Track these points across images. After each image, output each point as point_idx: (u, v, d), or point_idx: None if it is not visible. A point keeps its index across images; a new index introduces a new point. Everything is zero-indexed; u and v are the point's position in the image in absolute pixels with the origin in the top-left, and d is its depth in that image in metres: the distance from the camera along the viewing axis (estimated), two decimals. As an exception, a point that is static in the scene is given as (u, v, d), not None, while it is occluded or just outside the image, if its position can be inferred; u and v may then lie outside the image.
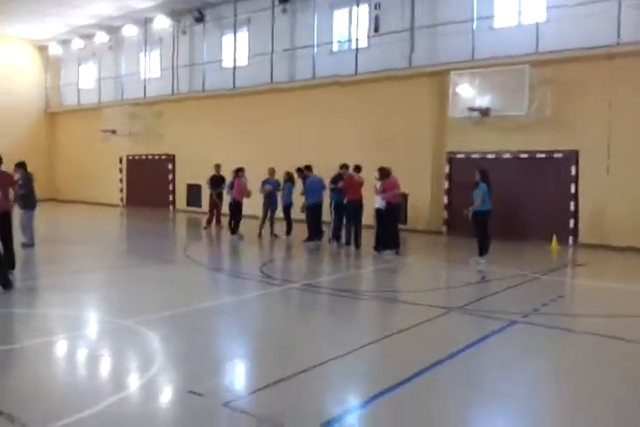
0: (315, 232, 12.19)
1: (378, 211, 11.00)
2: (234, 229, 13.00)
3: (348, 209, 11.69)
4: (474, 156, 14.15)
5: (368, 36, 16.10)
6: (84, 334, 5.81)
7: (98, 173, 24.48)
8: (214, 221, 15.39)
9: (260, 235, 13.33)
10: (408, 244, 12.92)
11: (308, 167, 12.73)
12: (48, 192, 26.49)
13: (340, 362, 4.93)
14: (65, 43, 25.42)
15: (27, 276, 8.34)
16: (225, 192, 14.42)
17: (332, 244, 11.96)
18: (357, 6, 16.11)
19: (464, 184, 12.64)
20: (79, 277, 8.75)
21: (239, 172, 13.38)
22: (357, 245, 11.57)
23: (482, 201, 9.80)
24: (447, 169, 14.68)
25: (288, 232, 13.05)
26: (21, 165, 11.21)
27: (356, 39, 16.18)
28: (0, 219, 8.01)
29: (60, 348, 5.38)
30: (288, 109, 17.83)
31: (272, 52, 17.84)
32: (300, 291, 7.95)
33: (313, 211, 12.21)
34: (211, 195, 15.48)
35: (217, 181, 15.47)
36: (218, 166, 15.69)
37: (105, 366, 4.89)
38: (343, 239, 11.94)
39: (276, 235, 13.30)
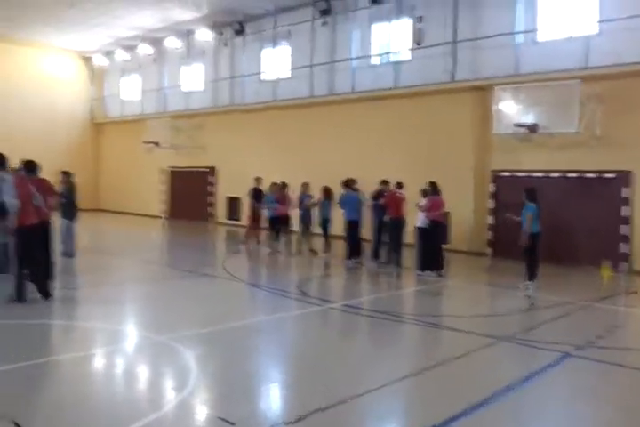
0: (354, 250, 11.97)
1: (420, 229, 10.74)
2: (278, 244, 13.10)
3: (390, 227, 11.44)
4: (520, 174, 13.71)
5: (409, 50, 15.92)
6: (119, 350, 5.78)
7: (140, 184, 24.85)
8: (253, 235, 15.35)
9: (299, 251, 13.20)
10: (451, 265, 12.56)
11: (349, 182, 12.44)
12: (92, 202, 27.06)
13: (379, 395, 4.73)
14: (109, 54, 25.98)
15: (65, 286, 8.36)
16: (266, 206, 14.23)
17: (372, 262, 11.71)
18: (398, 19, 15.94)
19: (510, 204, 12.26)
20: (117, 289, 8.78)
21: (284, 185, 13.56)
22: (398, 265, 11.30)
23: (531, 222, 9.43)
24: (492, 188, 14.27)
25: (326, 249, 12.86)
26: (65, 174, 11.31)
27: (397, 52, 16.00)
28: (39, 227, 8.03)
29: (93, 363, 5.34)
30: (327, 123, 17.73)
31: (311, 65, 17.81)
32: (338, 311, 7.75)
33: (351, 228, 11.99)
34: (252, 208, 15.43)
35: (258, 195, 15.43)
36: (258, 179, 15.63)
37: (135, 386, 4.80)
38: (383, 258, 11.69)
39: (314, 251, 13.14)
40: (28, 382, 4.72)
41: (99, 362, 5.37)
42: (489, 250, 14.20)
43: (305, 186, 13.54)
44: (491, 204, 14.26)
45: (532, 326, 7.33)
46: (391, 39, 16.40)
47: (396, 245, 11.42)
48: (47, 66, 25.67)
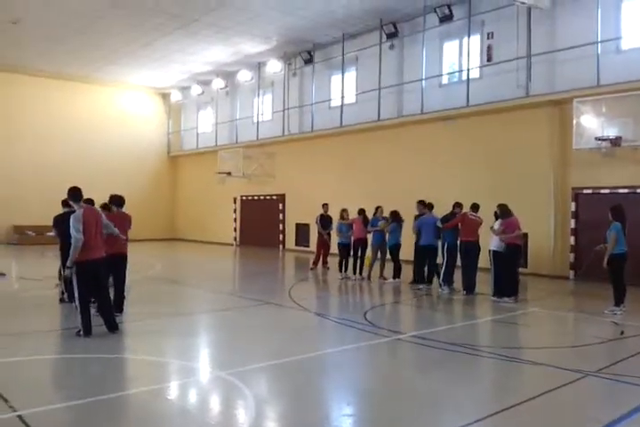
0: (421, 275, 11.46)
1: (495, 253, 10.09)
2: (353, 269, 12.91)
3: (462, 251, 10.85)
4: (603, 191, 12.76)
5: (480, 67, 15.40)
6: (176, 386, 5.55)
7: (214, 213, 25.42)
8: (321, 262, 15.16)
9: (368, 277, 12.82)
10: (530, 290, 11.72)
11: (428, 204, 11.78)
12: (169, 232, 28.00)
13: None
14: (185, 89, 27.08)
15: (131, 318, 8.33)
16: (336, 232, 13.94)
17: (444, 289, 11.10)
18: (469, 37, 15.51)
19: (592, 223, 11.35)
20: (182, 320, 8.68)
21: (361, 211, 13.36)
22: (472, 291, 10.64)
23: (616, 242, 8.63)
24: (573, 207, 13.34)
25: (396, 275, 12.37)
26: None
27: (467, 70, 15.52)
28: (119, 259, 8.09)
29: (147, 400, 5.08)
30: (396, 146, 17.43)
31: (379, 88, 17.64)
32: (408, 343, 7.24)
33: (423, 253, 11.49)
34: (320, 234, 15.25)
35: (325, 221, 15.25)
36: (325, 206, 15.48)
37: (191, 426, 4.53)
38: (456, 284, 11.07)
39: (384, 278, 12.69)
40: (81, 421, 4.62)
41: (154, 400, 5.17)
42: (572, 273, 13.20)
43: (376, 210, 13.11)
44: (572, 223, 13.31)
45: (623, 357, 6.52)
46: (461, 57, 15.98)
47: (470, 270, 10.78)
48: (127, 103, 27.08)
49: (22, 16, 17.29)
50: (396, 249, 12.38)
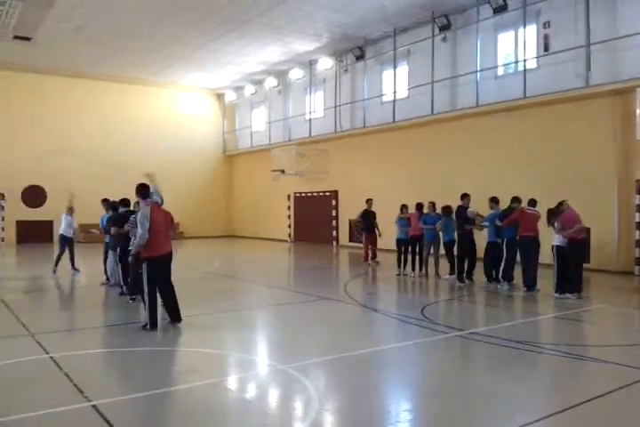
0: (490, 274, 11.22)
1: (558, 248, 9.82)
2: (412, 265, 12.84)
3: (522, 247, 10.61)
4: (672, 183, 12.21)
5: (536, 57, 14.97)
6: (241, 379, 5.69)
7: (268, 210, 25.78)
8: (370, 257, 15.23)
9: (426, 273, 12.72)
10: (594, 286, 11.35)
11: (496, 201, 11.47)
12: (226, 229, 28.61)
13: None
14: (238, 89, 27.54)
15: (191, 312, 8.47)
16: (398, 227, 13.63)
17: (504, 285, 10.89)
18: (524, 27, 15.09)
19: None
20: (241, 315, 8.90)
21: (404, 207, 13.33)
22: (533, 288, 10.39)
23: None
24: (638, 200, 12.80)
25: (452, 271, 12.22)
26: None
27: (524, 61, 15.11)
28: (168, 258, 8.25)
29: (213, 393, 5.23)
30: (450, 140, 17.19)
31: (432, 81, 17.42)
32: (467, 340, 7.16)
33: (489, 249, 11.23)
34: (361, 230, 15.43)
35: (368, 217, 15.31)
36: (369, 201, 15.52)
37: (255, 419, 4.62)
38: (516, 280, 10.84)
39: (439, 275, 12.57)
40: (152, 411, 4.81)
41: (220, 392, 5.33)
42: (637, 268, 12.68)
43: (430, 205, 13.01)
44: (637, 217, 12.78)
45: (699, 357, 6.25)
46: (517, 48, 15.58)
47: (529, 266, 10.53)
48: (184, 104, 27.81)
49: (84, 23, 18.01)
50: (450, 245, 12.22)
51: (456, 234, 11.86)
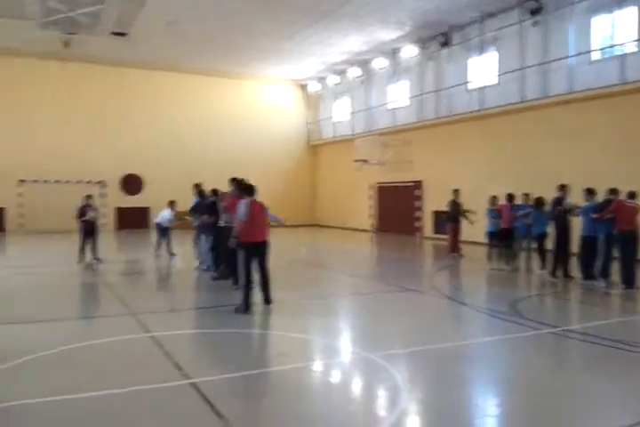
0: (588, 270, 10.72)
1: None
2: (504, 258, 12.41)
3: (620, 241, 10.05)
4: None
5: (635, 41, 14.03)
6: (328, 364, 5.83)
7: (351, 200, 25.88)
8: (456, 249, 14.98)
9: (517, 268, 12.31)
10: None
11: (593, 192, 10.78)
12: (310, 218, 29.03)
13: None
14: (322, 80, 27.71)
15: (278, 297, 8.61)
16: (489, 219, 13.15)
17: (600, 282, 10.36)
18: (620, 9, 14.17)
19: None
20: (327, 302, 9.06)
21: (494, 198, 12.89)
22: (632, 285, 9.84)
23: None
24: None
25: (543, 266, 11.77)
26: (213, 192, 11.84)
27: (621, 45, 14.21)
28: (264, 245, 8.47)
29: (304, 377, 5.42)
30: (541, 128, 16.49)
31: (522, 68, 16.75)
32: (560, 337, 6.91)
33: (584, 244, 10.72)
34: (445, 221, 15.18)
35: (456, 207, 15.01)
36: (456, 191, 15.20)
37: (345, 404, 4.73)
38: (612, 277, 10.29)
39: (531, 269, 12.14)
40: (247, 391, 5.03)
41: (309, 376, 5.50)
42: None
43: (524, 197, 12.48)
44: None
45: None
46: (614, 31, 14.68)
47: (628, 262, 9.96)
48: (270, 96, 28.39)
49: (178, 18, 18.75)
50: (541, 238, 11.76)
51: (549, 227, 11.38)
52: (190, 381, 5.03)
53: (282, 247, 17.83)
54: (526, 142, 16.99)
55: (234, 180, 10.23)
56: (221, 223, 10.27)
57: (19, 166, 23.02)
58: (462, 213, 14.96)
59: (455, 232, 15.18)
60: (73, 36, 18.91)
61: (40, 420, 4.27)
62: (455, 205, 15.11)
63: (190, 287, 10.61)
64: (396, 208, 23.09)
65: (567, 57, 15.58)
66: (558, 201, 11.13)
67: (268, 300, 8.28)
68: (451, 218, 15.22)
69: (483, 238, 13.34)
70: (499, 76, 18.00)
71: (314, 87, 28.37)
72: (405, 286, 10.47)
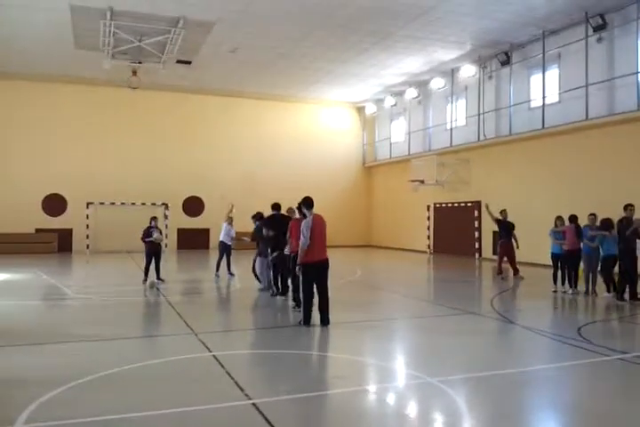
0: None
1: None
2: (568, 281, 12.06)
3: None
4: None
5: None
6: (389, 388, 5.74)
7: (407, 220, 25.69)
8: (512, 270, 14.62)
9: (586, 291, 11.75)
10: None
11: None
12: (365, 239, 28.98)
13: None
14: (378, 101, 27.88)
15: (336, 318, 8.63)
16: (553, 240, 12.66)
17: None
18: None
19: None
20: (385, 324, 8.96)
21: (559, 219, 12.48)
22: None
23: None
24: None
25: (610, 289, 11.26)
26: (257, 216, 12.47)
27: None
28: (324, 264, 8.46)
29: (363, 400, 5.38)
30: (607, 147, 15.95)
31: (587, 84, 16.32)
32: (631, 364, 6.58)
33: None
34: (501, 242, 14.80)
35: (505, 227, 14.66)
36: (504, 212, 14.86)
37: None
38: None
39: (596, 292, 11.64)
40: (307, 414, 5.01)
41: (370, 400, 5.44)
42: None
43: (592, 218, 11.87)
44: None
45: None
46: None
47: None
48: (326, 118, 28.81)
49: (239, 46, 19.41)
50: (609, 261, 11.25)
51: (617, 249, 10.92)
52: (252, 401, 5.06)
53: (338, 268, 17.82)
54: (591, 162, 16.45)
55: (275, 205, 11.23)
56: (286, 251, 10.29)
57: (87, 189, 24.17)
58: (512, 233, 14.63)
59: (502, 253, 14.79)
60: (140, 66, 19.85)
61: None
62: (502, 224, 14.78)
63: (249, 307, 10.77)
64: (454, 229, 22.73)
65: (635, 73, 15.09)
66: (627, 221, 10.69)
67: (326, 321, 8.34)
68: (499, 238, 14.93)
69: (545, 260, 12.91)
70: (560, 93, 17.60)
71: (370, 109, 28.56)
72: (465, 308, 10.24)
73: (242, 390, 5.40)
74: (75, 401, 5.11)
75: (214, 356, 6.67)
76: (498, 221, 14.95)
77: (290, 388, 5.56)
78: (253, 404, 5.00)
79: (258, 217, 12.54)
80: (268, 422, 4.56)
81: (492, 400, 5.33)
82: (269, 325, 8.94)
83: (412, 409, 5.18)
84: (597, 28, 16.16)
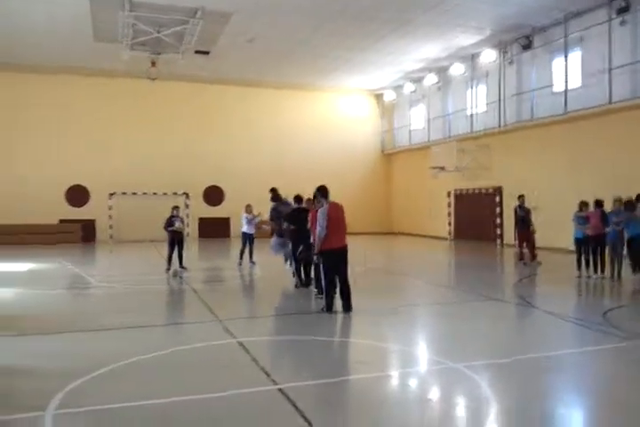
0: None
1: None
2: (594, 266, 11.92)
3: None
4: None
5: None
6: (413, 373, 5.78)
7: (427, 207, 25.57)
8: (528, 255, 14.49)
9: (611, 275, 11.61)
10: None
11: None
12: (385, 226, 28.96)
13: None
14: (397, 88, 27.65)
15: (358, 305, 8.66)
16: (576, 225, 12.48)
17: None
18: None
19: None
20: (409, 310, 9.01)
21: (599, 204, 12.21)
22: None
23: None
24: None
25: (635, 271, 11.11)
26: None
27: None
28: (343, 251, 8.55)
29: (389, 386, 5.45)
30: (630, 131, 15.66)
31: (610, 68, 16.01)
32: (657, 349, 6.54)
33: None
34: (518, 227, 14.66)
35: (522, 213, 14.52)
36: (521, 197, 14.71)
37: (432, 414, 4.69)
38: None
39: (621, 277, 11.50)
40: (334, 398, 5.04)
41: (394, 385, 5.51)
42: None
43: (617, 202, 11.65)
44: None
45: None
46: None
47: None
48: (345, 106, 28.69)
49: (257, 35, 19.37)
50: (634, 242, 11.07)
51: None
52: (278, 386, 5.13)
53: (359, 255, 17.86)
54: (614, 146, 16.19)
55: (273, 190, 11.04)
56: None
57: (109, 180, 24.47)
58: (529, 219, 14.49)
59: (522, 239, 14.66)
60: (159, 56, 19.94)
61: (136, 423, 4.49)
62: (520, 211, 14.64)
63: (272, 294, 10.86)
64: (475, 215, 22.58)
65: (659, 55, 14.78)
66: None
67: (348, 307, 8.42)
68: (517, 224, 14.77)
69: (566, 245, 12.78)
70: (583, 77, 17.28)
71: (389, 96, 28.34)
72: (488, 294, 10.22)
73: (268, 375, 5.48)
74: (103, 388, 5.20)
75: (239, 342, 6.76)
76: (518, 207, 14.79)
77: (315, 373, 5.64)
78: (279, 389, 5.07)
79: (274, 196, 12.67)
80: (296, 407, 4.63)
81: (516, 385, 5.34)
82: (292, 311, 9.02)
83: (434, 394, 5.21)
84: (620, 11, 15.80)
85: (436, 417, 4.65)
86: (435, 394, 5.21)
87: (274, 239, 12.12)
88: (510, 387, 5.32)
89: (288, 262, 12.04)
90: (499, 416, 4.57)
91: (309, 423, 4.32)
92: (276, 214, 12.35)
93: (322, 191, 8.60)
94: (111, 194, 24.59)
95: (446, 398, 5.12)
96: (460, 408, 4.87)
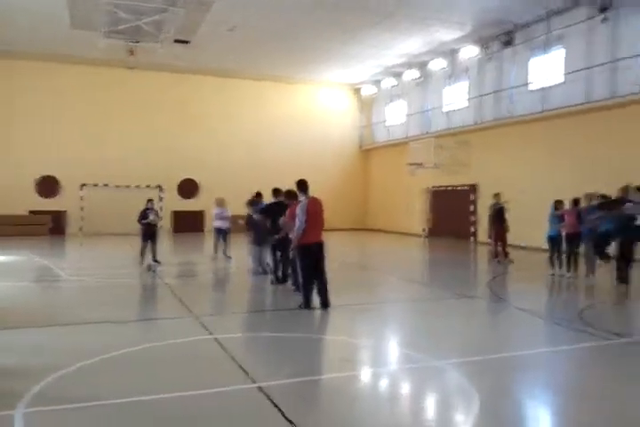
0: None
1: None
2: (567, 265, 11.84)
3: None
4: None
5: None
6: (388, 370, 5.70)
7: (404, 204, 25.57)
8: (502, 254, 14.51)
9: (587, 274, 11.56)
10: None
11: None
12: (361, 222, 28.91)
13: None
14: (376, 83, 27.55)
15: (335, 301, 8.51)
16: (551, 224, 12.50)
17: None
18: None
19: None
20: (381, 306, 8.97)
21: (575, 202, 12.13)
22: None
23: None
24: None
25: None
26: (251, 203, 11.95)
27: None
28: (320, 246, 8.41)
29: (368, 383, 5.37)
30: (609, 130, 15.82)
31: (589, 67, 16.13)
32: (636, 347, 6.56)
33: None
34: (494, 226, 14.65)
35: (499, 211, 14.55)
36: (497, 195, 14.75)
37: (419, 411, 4.60)
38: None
39: (594, 274, 11.56)
40: (313, 396, 4.94)
41: (370, 382, 5.43)
42: None
43: (588, 197, 11.69)
44: None
45: None
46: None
47: None
48: (323, 99, 28.50)
49: (237, 24, 19.02)
50: (604, 238, 11.07)
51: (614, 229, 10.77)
52: (257, 385, 4.98)
53: (334, 251, 17.77)
54: (592, 145, 16.34)
55: (276, 190, 10.83)
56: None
57: (81, 171, 23.87)
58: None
59: (496, 237, 14.67)
60: (137, 45, 19.47)
61: (113, 421, 4.32)
62: (494, 209, 14.67)
63: (249, 290, 10.67)
64: (450, 212, 22.66)
65: (638, 55, 14.90)
66: (622, 202, 10.62)
67: (325, 303, 8.28)
68: (492, 222, 14.75)
69: (540, 244, 12.83)
70: (565, 75, 17.38)
71: (368, 90, 28.22)
72: (462, 292, 10.19)
73: (246, 373, 5.32)
74: (76, 385, 5.01)
75: (216, 339, 6.58)
76: (493, 205, 14.80)
77: (294, 371, 5.49)
78: (259, 387, 4.92)
79: (251, 203, 12.15)
80: (275, 406, 4.49)
81: (501, 386, 5.24)
82: (270, 308, 8.88)
83: (408, 391, 5.16)
84: (603, 9, 15.92)
85: (407, 413, 4.59)
86: (408, 391, 5.16)
87: (252, 248, 11.86)
88: (484, 384, 5.21)
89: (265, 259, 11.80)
90: (470, 413, 4.48)
91: (290, 422, 4.18)
92: (251, 222, 11.83)
93: (302, 186, 8.43)
94: (82, 185, 24.02)
95: (420, 394, 5.06)
96: (434, 405, 4.81)
